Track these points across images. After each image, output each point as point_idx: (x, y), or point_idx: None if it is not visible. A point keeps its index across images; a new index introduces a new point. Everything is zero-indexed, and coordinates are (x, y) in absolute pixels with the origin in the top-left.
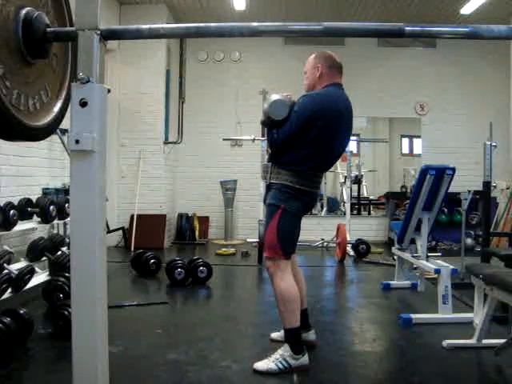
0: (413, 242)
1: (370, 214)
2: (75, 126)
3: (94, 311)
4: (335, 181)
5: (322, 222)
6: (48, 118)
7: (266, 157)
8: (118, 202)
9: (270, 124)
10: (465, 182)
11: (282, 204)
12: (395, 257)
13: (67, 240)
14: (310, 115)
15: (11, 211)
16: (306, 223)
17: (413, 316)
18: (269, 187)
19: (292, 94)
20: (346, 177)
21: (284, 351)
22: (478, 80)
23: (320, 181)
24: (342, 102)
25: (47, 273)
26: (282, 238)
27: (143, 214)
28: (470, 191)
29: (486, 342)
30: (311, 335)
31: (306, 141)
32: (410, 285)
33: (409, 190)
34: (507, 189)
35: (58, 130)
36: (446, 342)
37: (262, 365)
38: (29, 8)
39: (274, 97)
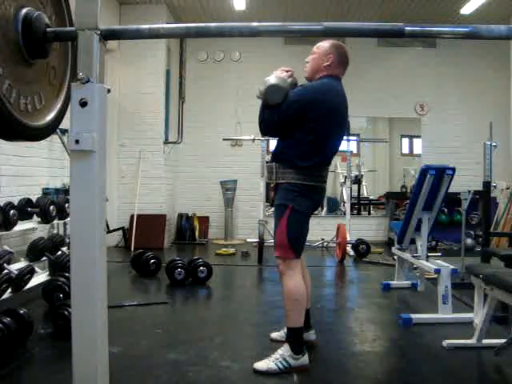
0: (413, 242)
1: (370, 214)
2: (75, 126)
3: (93, 311)
4: (335, 181)
5: (322, 221)
6: (47, 118)
7: (267, 157)
8: (118, 202)
9: (263, 105)
10: (465, 182)
11: (290, 203)
12: (395, 257)
13: (67, 240)
14: (300, 107)
15: (11, 211)
16: None
17: (413, 316)
18: (276, 188)
19: (293, 71)
20: (346, 177)
21: (284, 351)
22: (478, 80)
23: (326, 174)
24: (336, 96)
25: (47, 273)
26: (291, 237)
27: (143, 214)
28: (469, 191)
29: (486, 341)
30: (311, 335)
31: (303, 136)
32: (410, 285)
33: (409, 190)
34: (507, 189)
35: (57, 130)
36: (446, 342)
37: (261, 365)
38: (29, 8)
39: (272, 80)
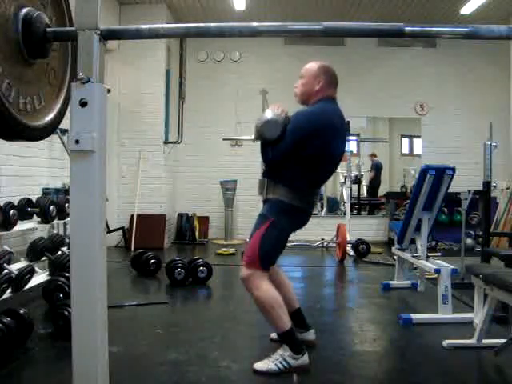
0: (413, 242)
1: (369, 214)
2: (75, 126)
3: (93, 311)
4: (335, 181)
5: (322, 222)
6: (47, 119)
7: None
8: (118, 202)
9: (263, 143)
10: (465, 182)
11: (272, 217)
12: (395, 257)
13: (67, 240)
14: (304, 134)
15: (11, 211)
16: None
17: (413, 316)
18: (265, 202)
19: (286, 110)
20: (346, 177)
21: (284, 351)
22: (478, 80)
23: (316, 198)
24: (336, 118)
25: (47, 273)
26: (263, 250)
27: (143, 214)
28: (470, 191)
29: (486, 341)
30: (311, 335)
31: (301, 158)
32: (410, 285)
33: (409, 190)
34: (507, 189)
35: (57, 130)
36: (446, 342)
37: (262, 365)
38: (29, 8)
39: (267, 115)
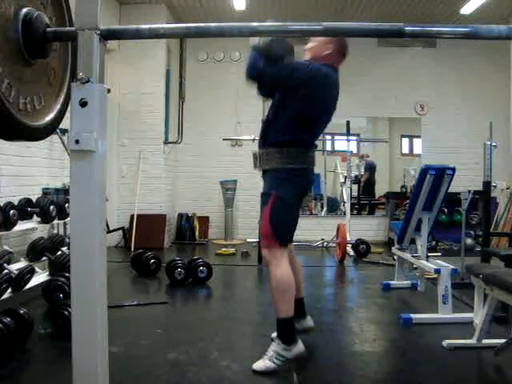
0: (413, 241)
1: (369, 213)
2: (75, 126)
3: (94, 311)
4: (335, 181)
5: (322, 222)
6: (47, 119)
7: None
8: (118, 202)
9: (262, 53)
10: (465, 182)
11: (274, 191)
12: (395, 257)
13: (67, 240)
14: (298, 78)
15: (11, 211)
16: (306, 223)
17: (413, 316)
18: (263, 174)
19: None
20: (345, 177)
21: (276, 346)
22: (478, 80)
23: (312, 156)
24: (330, 80)
25: (47, 273)
26: (275, 225)
27: (143, 214)
28: (470, 191)
29: (486, 341)
30: (309, 321)
31: (290, 112)
32: (409, 285)
33: (409, 190)
34: (507, 189)
35: (57, 130)
36: (446, 342)
37: (260, 365)
38: (29, 8)
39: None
